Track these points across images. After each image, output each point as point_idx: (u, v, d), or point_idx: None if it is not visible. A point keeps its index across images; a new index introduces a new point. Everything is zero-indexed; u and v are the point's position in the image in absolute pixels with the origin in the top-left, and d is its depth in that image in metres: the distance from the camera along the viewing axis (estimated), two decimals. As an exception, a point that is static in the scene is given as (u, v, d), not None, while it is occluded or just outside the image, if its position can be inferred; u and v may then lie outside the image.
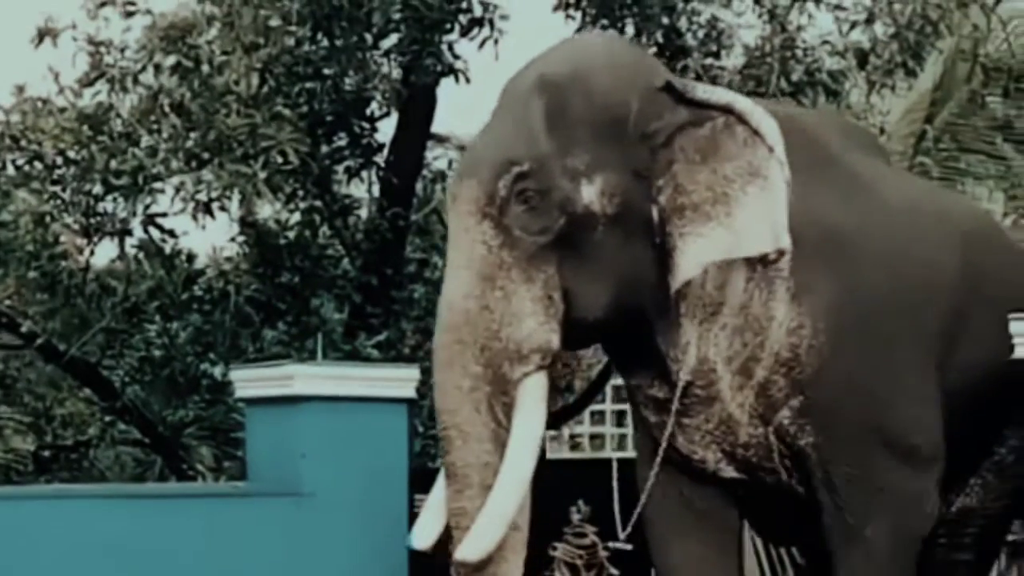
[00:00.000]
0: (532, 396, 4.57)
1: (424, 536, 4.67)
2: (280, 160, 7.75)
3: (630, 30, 8.45)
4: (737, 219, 4.50)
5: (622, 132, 4.53)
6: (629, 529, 4.97)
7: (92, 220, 8.36)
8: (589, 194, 4.51)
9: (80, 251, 8.77)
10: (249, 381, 6.58)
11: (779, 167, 4.49)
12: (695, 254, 4.51)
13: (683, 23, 8.47)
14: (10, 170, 8.68)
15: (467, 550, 4.49)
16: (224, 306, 8.54)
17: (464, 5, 8.33)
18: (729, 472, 4.91)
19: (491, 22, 8.38)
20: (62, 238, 8.87)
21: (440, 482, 4.71)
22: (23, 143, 8.41)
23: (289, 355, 8.19)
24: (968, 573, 5.50)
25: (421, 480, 5.71)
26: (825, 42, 8.50)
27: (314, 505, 6.03)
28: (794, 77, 8.40)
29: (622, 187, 4.53)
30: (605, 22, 8.40)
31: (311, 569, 6.00)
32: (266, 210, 9.75)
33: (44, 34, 8.36)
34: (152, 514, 6.04)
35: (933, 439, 4.93)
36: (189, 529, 5.99)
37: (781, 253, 4.53)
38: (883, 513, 4.83)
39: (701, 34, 8.51)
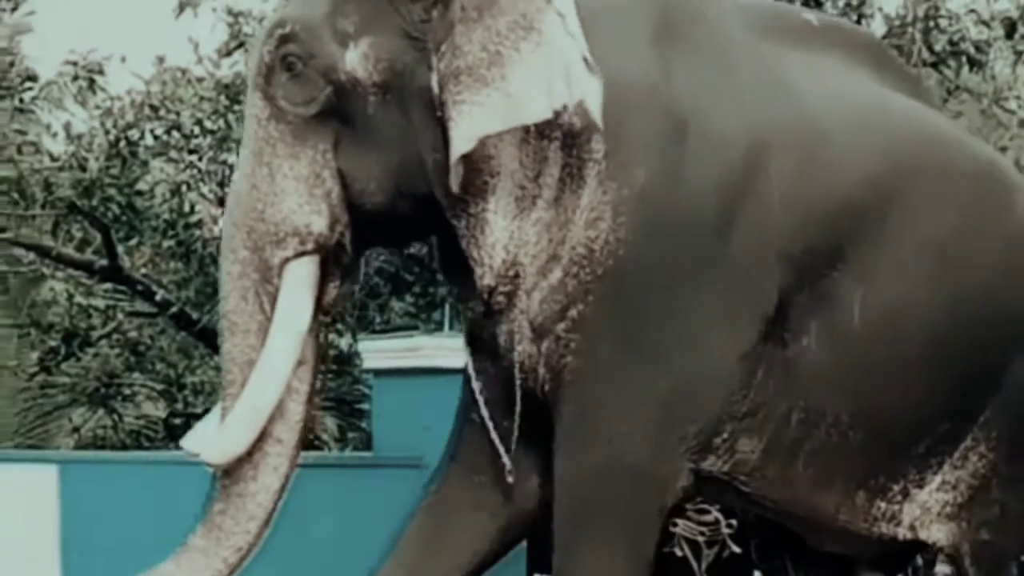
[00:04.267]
0: (293, 284, 4.01)
1: (195, 440, 4.06)
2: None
3: (768, -1, 8.29)
4: (512, 82, 3.85)
5: None
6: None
7: (227, 190, 8.40)
8: (352, 59, 3.94)
9: (215, 221, 8.84)
10: (376, 352, 6.56)
11: (558, 19, 3.87)
12: (468, 125, 3.84)
13: (823, -8, 8.30)
14: (148, 140, 8.78)
15: (209, 450, 3.99)
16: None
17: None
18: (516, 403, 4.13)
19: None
20: (197, 207, 8.95)
21: None
22: (162, 113, 8.49)
23: (416, 327, 8.16)
24: None
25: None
26: (971, 11, 8.26)
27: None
28: (937, 47, 8.19)
29: (390, 51, 3.94)
30: (743, -9, 8.25)
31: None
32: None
33: (184, 5, 8.43)
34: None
35: (698, 402, 4.05)
36: (315, 498, 5.98)
37: (558, 116, 3.86)
38: (604, 480, 4.02)
39: (841, 3, 8.31)
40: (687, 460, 4.07)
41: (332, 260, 4.07)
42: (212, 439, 4.01)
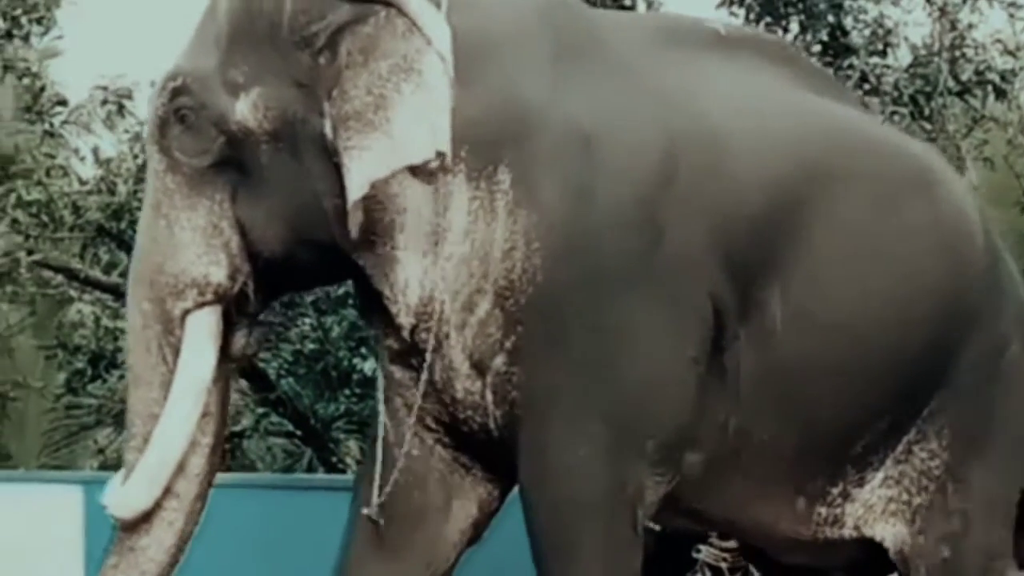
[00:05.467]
0: (194, 336, 3.99)
1: (107, 495, 4.07)
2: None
3: (795, 27, 8.32)
4: (395, 124, 3.85)
5: (278, 37, 3.95)
6: (383, 498, 4.14)
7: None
8: (242, 109, 3.94)
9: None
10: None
11: (438, 61, 3.86)
12: (359, 171, 3.83)
13: (849, 21, 8.30)
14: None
15: (116, 505, 4.01)
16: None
17: (628, 2, 8.26)
18: (459, 437, 4.13)
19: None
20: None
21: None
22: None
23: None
24: None
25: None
26: (997, 40, 8.27)
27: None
28: (963, 77, 8.18)
29: (280, 99, 3.93)
30: (769, 19, 8.27)
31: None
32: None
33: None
34: (302, 504, 6.05)
35: (653, 414, 4.00)
36: (337, 519, 5.99)
37: (441, 156, 3.83)
38: (574, 505, 3.97)
39: (867, 32, 8.32)
40: (653, 475, 4.02)
41: (236, 309, 4.06)
42: (119, 494, 4.03)
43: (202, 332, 4.00)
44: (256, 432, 10.40)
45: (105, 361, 10.05)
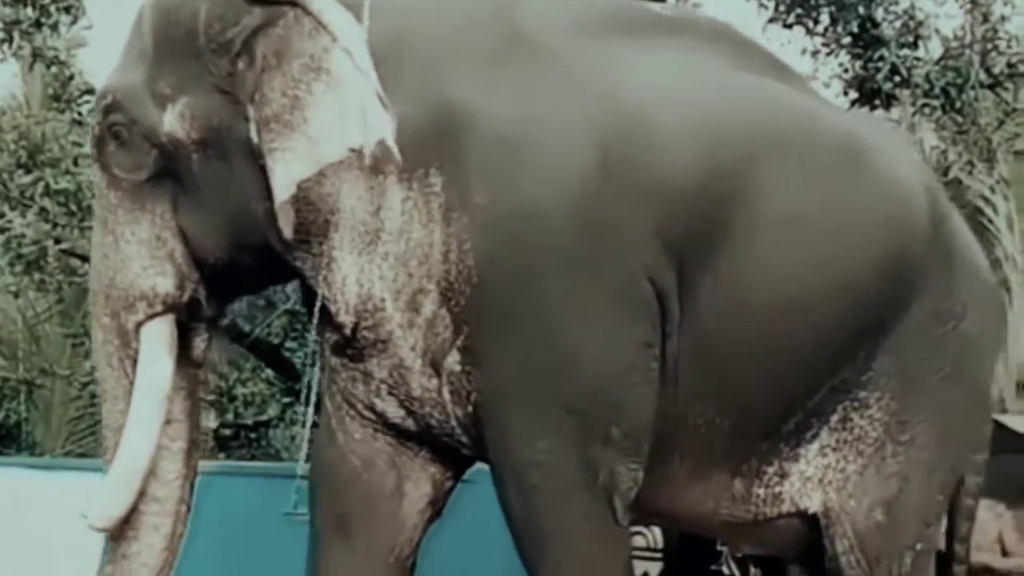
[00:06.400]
0: (149, 347, 4.09)
1: (88, 505, 4.19)
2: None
3: (825, 19, 8.27)
4: (312, 124, 3.88)
5: (197, 46, 4.00)
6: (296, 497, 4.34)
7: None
8: (170, 120, 4.01)
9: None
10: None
11: (346, 57, 3.88)
12: (283, 172, 3.88)
13: (880, 13, 8.25)
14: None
15: (94, 515, 4.13)
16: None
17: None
18: (417, 431, 4.19)
19: (683, 9, 8.25)
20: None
21: None
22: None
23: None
24: None
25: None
26: (1029, 33, 8.21)
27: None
28: (995, 69, 8.13)
29: (205, 108, 3.99)
30: (800, 11, 8.22)
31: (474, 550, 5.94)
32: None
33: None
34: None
35: (612, 400, 4.01)
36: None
37: (355, 153, 3.86)
38: (547, 495, 3.99)
39: (898, 24, 8.26)
40: (626, 462, 4.02)
41: (192, 315, 4.16)
42: (96, 504, 4.15)
43: (156, 342, 4.11)
44: (282, 422, 10.41)
45: (131, 350, 10.05)
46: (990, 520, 6.47)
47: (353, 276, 3.97)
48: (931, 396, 4.34)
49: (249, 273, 4.20)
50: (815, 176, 4.21)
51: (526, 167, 3.96)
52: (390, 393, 4.11)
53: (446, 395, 4.04)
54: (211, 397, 11.65)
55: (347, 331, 4.01)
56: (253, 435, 10.61)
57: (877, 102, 8.33)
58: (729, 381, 4.14)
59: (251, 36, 3.95)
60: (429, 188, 3.94)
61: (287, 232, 3.93)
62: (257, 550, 6.02)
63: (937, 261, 4.34)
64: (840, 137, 4.33)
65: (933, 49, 8.32)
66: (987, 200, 11.06)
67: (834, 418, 4.29)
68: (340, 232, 3.95)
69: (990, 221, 11.11)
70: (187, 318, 4.15)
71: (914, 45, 8.24)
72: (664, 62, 4.20)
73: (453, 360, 4.00)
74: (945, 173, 9.10)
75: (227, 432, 10.52)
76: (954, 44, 8.23)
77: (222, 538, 6.21)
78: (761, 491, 4.30)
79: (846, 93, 8.42)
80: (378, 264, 3.96)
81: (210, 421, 11.29)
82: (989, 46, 8.11)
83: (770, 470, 4.29)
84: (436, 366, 4.03)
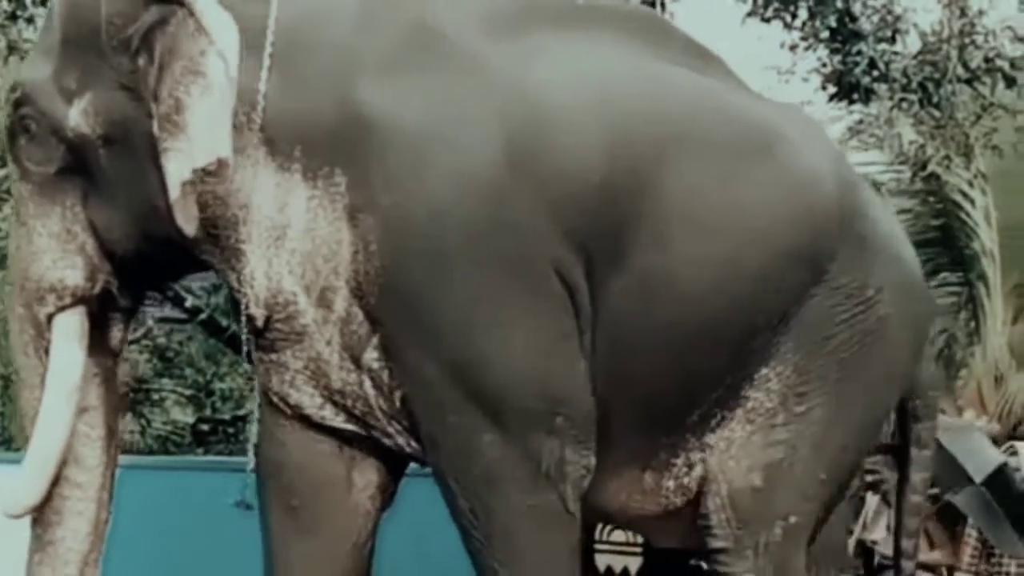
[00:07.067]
0: (60, 338, 4.15)
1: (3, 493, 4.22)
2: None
3: (803, 14, 8.27)
4: (191, 127, 3.90)
5: (100, 42, 4.02)
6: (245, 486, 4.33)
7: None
8: (75, 115, 4.04)
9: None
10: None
11: (220, 62, 3.88)
12: (174, 172, 3.91)
13: (857, 7, 8.25)
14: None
15: (8, 503, 4.17)
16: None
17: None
18: (338, 421, 4.18)
19: (663, 4, 8.25)
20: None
21: None
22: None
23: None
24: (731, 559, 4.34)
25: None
26: (1007, 28, 8.22)
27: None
28: (972, 64, 8.14)
29: (108, 103, 4.02)
30: (778, 5, 8.22)
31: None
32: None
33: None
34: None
35: (541, 376, 4.01)
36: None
37: (222, 165, 3.88)
38: (490, 487, 4.01)
39: (876, 19, 8.27)
40: (575, 450, 4.04)
41: (106, 307, 4.21)
42: (11, 492, 4.16)
43: (66, 334, 4.16)
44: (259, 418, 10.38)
45: (108, 344, 10.03)
46: None
47: (261, 270, 4.01)
48: (833, 374, 4.31)
49: (161, 265, 4.24)
50: (720, 167, 4.21)
51: (431, 166, 3.97)
52: (307, 383, 4.13)
53: (368, 389, 4.08)
54: (189, 392, 11.72)
55: (259, 323, 4.05)
56: (231, 430, 10.59)
57: (855, 96, 8.34)
58: (637, 376, 4.15)
59: (148, 33, 3.97)
60: (335, 187, 3.97)
61: (189, 229, 3.96)
62: (207, 544, 6.01)
63: (849, 247, 4.32)
64: (749, 128, 4.32)
65: (911, 43, 8.34)
66: (965, 195, 11.07)
67: (735, 402, 4.28)
68: (248, 227, 4.00)
69: (968, 215, 11.13)
70: (100, 309, 4.20)
71: (892, 40, 8.24)
72: (574, 54, 4.19)
73: (371, 357, 4.04)
74: (923, 167, 9.13)
75: (205, 427, 10.50)
76: (932, 39, 8.24)
77: (169, 532, 6.22)
78: (671, 483, 4.31)
79: (824, 87, 8.43)
80: (286, 260, 4.01)
81: (188, 416, 11.30)
82: (967, 41, 8.13)
83: (678, 462, 4.30)
84: (356, 361, 4.06)
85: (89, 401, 4.20)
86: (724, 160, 4.22)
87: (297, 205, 3.99)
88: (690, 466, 4.30)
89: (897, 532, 4.79)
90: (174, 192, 3.92)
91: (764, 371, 4.27)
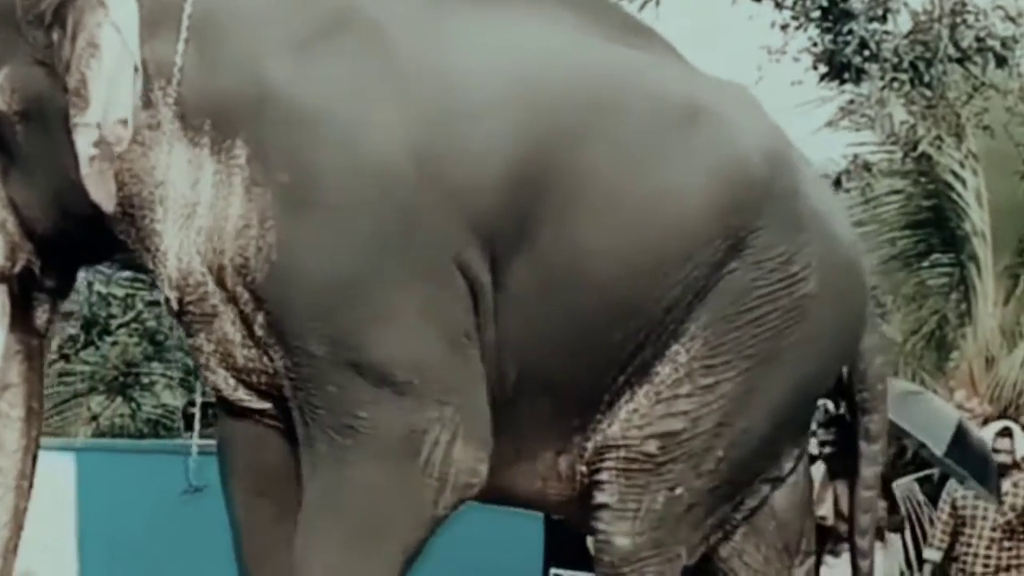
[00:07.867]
0: None
1: None
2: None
3: (794, -6, 8.24)
4: (92, 101, 3.84)
5: (15, 17, 3.95)
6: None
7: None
8: None
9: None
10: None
11: (115, 33, 3.84)
12: (81, 147, 3.85)
13: (849, -14, 8.23)
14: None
15: None
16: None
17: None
18: (253, 402, 4.11)
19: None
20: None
21: None
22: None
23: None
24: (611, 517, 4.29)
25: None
26: (998, 7, 8.20)
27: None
28: (963, 43, 8.11)
29: (24, 78, 3.95)
30: (768, -15, 8.20)
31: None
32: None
33: None
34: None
35: (430, 363, 3.94)
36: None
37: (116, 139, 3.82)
38: (359, 460, 3.92)
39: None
40: (472, 452, 3.96)
41: (31, 285, 4.12)
42: None
43: None
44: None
45: (98, 327, 10.00)
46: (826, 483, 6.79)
47: (174, 251, 3.94)
48: (747, 350, 4.22)
49: (83, 244, 4.16)
50: (634, 145, 4.11)
51: (327, 147, 3.88)
52: (219, 366, 4.06)
53: (267, 361, 3.99)
54: (179, 376, 11.69)
55: (174, 305, 3.99)
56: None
57: (846, 76, 8.31)
58: (547, 363, 4.09)
59: (60, 7, 3.91)
60: (233, 160, 3.89)
61: (107, 206, 3.88)
62: (159, 525, 5.98)
63: (777, 223, 4.21)
64: (671, 103, 4.22)
65: (902, 23, 8.30)
66: (956, 175, 11.09)
67: (647, 377, 4.19)
68: (164, 205, 3.93)
69: (959, 196, 11.14)
70: (21, 289, 4.12)
71: (883, 19, 8.21)
72: (494, 34, 4.10)
73: (263, 334, 3.95)
74: (914, 148, 9.12)
75: (195, 411, 10.47)
76: (923, 18, 8.21)
77: (123, 515, 6.20)
78: (584, 468, 4.24)
79: (815, 67, 8.40)
80: (194, 239, 3.93)
81: (178, 400, 11.27)
82: (958, 20, 8.10)
83: (590, 446, 4.23)
84: (255, 338, 3.99)
85: (9, 378, 4.13)
86: (639, 137, 4.11)
87: (206, 181, 3.91)
88: (602, 449, 4.22)
89: (851, 531, 4.64)
90: (84, 167, 3.84)
91: (675, 347, 4.18)
